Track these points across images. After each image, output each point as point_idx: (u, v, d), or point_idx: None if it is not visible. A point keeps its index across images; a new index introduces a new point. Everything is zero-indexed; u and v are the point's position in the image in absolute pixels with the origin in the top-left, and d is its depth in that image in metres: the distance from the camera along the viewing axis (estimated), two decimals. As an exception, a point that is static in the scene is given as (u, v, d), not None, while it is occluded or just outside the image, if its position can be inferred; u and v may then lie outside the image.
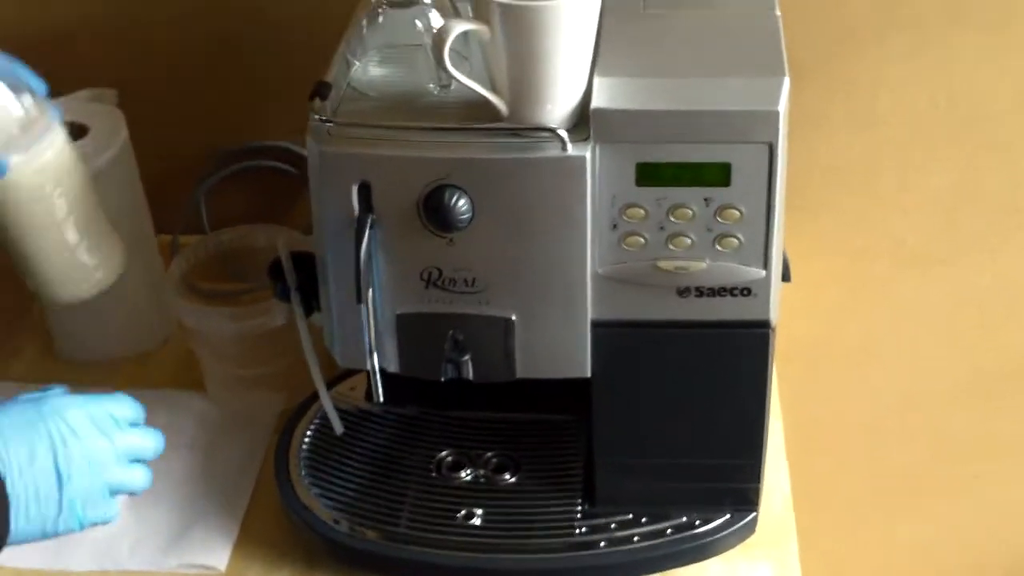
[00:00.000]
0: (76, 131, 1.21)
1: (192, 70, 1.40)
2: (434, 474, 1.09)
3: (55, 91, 1.22)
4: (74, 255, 1.04)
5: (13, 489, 0.82)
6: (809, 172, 1.37)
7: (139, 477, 0.91)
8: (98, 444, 0.88)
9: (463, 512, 1.06)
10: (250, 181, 1.45)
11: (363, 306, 0.93)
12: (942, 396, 1.54)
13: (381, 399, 0.97)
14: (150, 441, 0.92)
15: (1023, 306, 1.46)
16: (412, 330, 0.97)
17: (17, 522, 0.83)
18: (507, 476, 1.09)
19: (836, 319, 1.49)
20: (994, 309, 1.47)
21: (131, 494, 0.92)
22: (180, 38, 1.38)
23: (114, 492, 0.89)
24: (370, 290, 0.93)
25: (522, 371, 0.97)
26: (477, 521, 1.05)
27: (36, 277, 1.05)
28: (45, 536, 0.86)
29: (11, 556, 1.07)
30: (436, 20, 0.95)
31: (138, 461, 0.91)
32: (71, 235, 1.03)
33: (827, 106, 1.33)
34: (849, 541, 1.66)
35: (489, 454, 1.12)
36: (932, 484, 1.62)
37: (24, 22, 1.38)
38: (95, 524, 0.89)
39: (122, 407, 0.91)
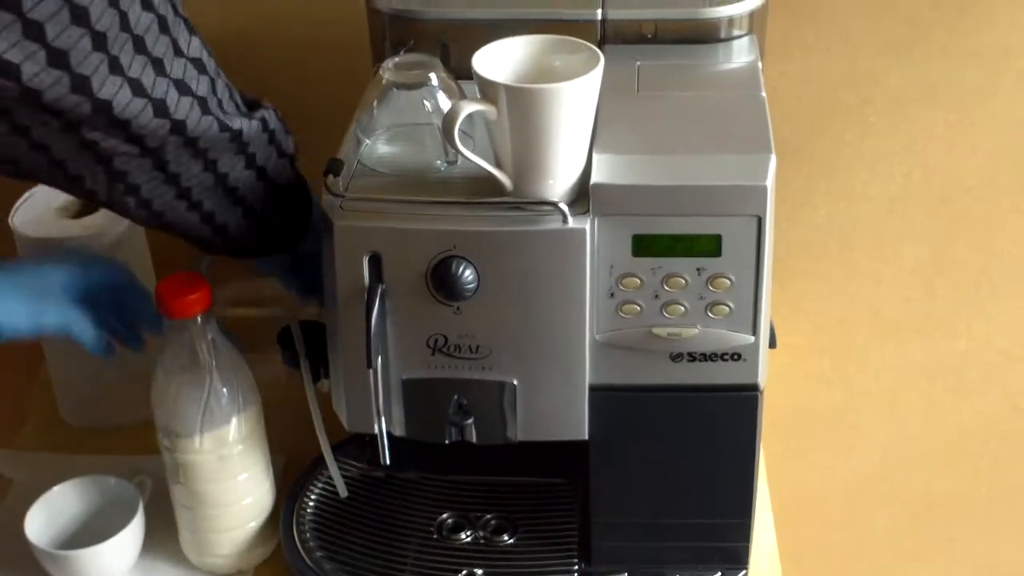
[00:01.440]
0: (88, 207, 1.25)
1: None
2: (435, 536, 1.12)
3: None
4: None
5: None
6: (791, 244, 1.41)
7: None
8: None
9: (464, 572, 1.08)
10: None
11: (372, 372, 0.96)
12: (921, 460, 1.58)
13: (388, 462, 0.99)
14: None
15: (997, 372, 1.50)
16: (418, 395, 0.99)
17: None
18: (506, 537, 1.12)
19: (818, 386, 1.52)
20: (969, 375, 1.50)
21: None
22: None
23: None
24: (379, 356, 0.96)
25: (523, 434, 1.00)
26: (478, 580, 1.08)
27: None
28: None
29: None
30: (443, 101, 0.98)
31: None
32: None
33: (809, 181, 1.38)
34: None
35: (488, 516, 1.14)
36: (911, 547, 1.65)
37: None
38: None
39: None
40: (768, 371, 1.30)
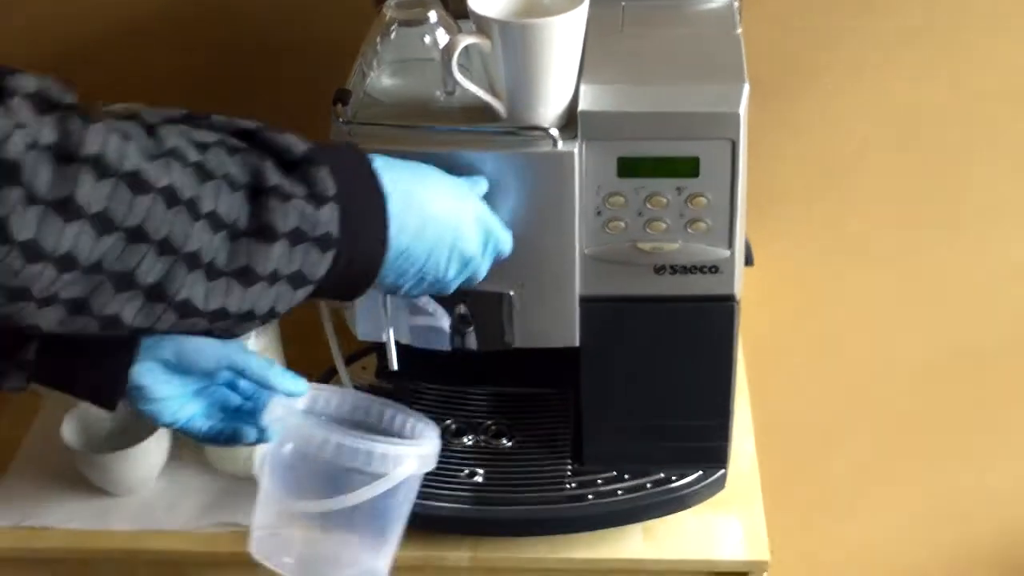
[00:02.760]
0: None
1: (215, 83, 1.50)
2: (442, 439, 1.20)
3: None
4: None
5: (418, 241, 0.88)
6: (774, 177, 1.47)
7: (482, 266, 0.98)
8: (483, 236, 0.96)
9: (466, 471, 1.18)
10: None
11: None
12: (900, 382, 1.64)
13: (395, 367, 1.07)
14: (508, 245, 1.00)
15: (968, 301, 1.56)
16: (422, 305, 1.07)
17: (412, 266, 0.89)
18: (505, 441, 1.21)
19: (801, 313, 1.59)
20: (943, 304, 1.57)
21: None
22: (205, 56, 1.48)
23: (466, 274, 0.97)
24: None
25: (519, 341, 1.09)
26: (479, 479, 1.17)
27: None
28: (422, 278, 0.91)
29: (59, 518, 1.20)
30: (442, 36, 1.05)
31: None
32: None
33: (789, 117, 1.44)
34: (814, 510, 1.75)
35: (489, 422, 1.23)
36: (892, 466, 1.71)
37: (62, 41, 1.48)
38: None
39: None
40: (749, 299, 1.38)
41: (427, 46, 1.06)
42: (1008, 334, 1.60)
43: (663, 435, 1.15)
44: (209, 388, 0.96)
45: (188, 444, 1.25)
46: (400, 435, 1.01)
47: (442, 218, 0.91)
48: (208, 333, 0.78)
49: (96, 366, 0.88)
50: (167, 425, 0.94)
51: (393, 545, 1.00)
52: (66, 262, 0.65)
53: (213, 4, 1.45)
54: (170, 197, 0.68)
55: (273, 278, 0.75)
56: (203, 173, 0.71)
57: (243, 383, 0.97)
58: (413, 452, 0.96)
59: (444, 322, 1.08)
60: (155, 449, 1.22)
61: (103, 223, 0.66)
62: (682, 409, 1.13)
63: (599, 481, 1.16)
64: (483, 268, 0.98)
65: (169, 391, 0.92)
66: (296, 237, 0.76)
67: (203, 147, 0.72)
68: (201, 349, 0.91)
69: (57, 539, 1.20)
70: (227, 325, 0.76)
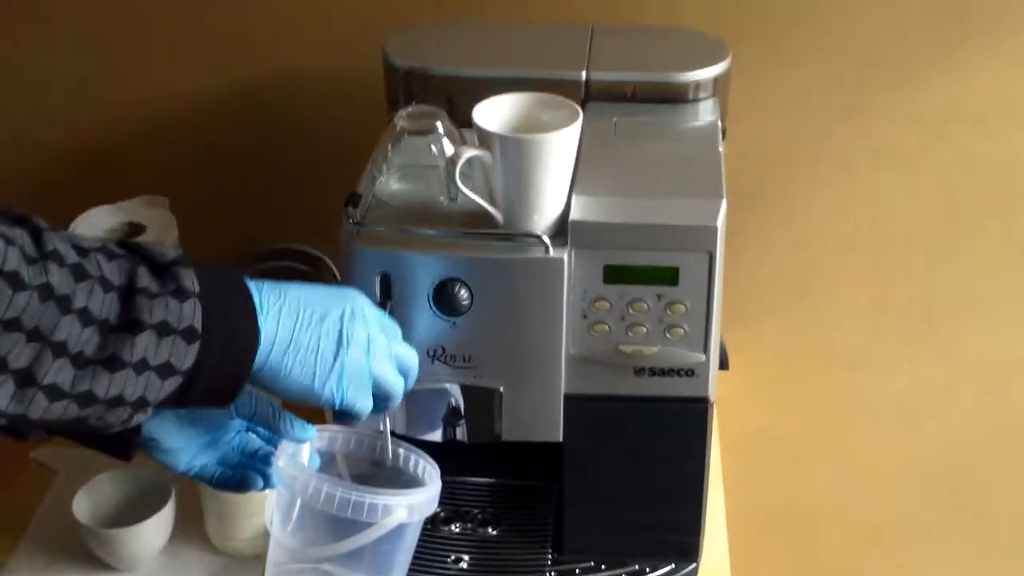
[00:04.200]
0: (135, 229, 1.39)
1: (232, 182, 1.58)
2: (429, 526, 1.25)
3: (117, 197, 1.41)
4: None
5: (296, 335, 0.87)
6: (753, 285, 1.55)
7: (399, 385, 0.95)
8: (379, 336, 0.93)
9: (453, 557, 1.22)
10: (272, 277, 1.60)
11: None
12: (871, 486, 1.69)
13: (389, 457, 1.09)
14: (414, 359, 0.97)
15: (939, 404, 1.63)
16: (419, 397, 1.11)
17: (292, 367, 0.88)
18: (490, 529, 1.26)
19: (777, 414, 1.65)
20: (912, 407, 1.63)
21: (384, 403, 0.95)
22: (224, 156, 1.56)
23: (376, 387, 0.93)
24: None
25: (507, 435, 1.14)
26: (464, 565, 1.21)
27: None
28: (305, 394, 0.89)
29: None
30: (447, 146, 1.12)
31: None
32: None
33: (769, 229, 1.52)
34: None
35: (475, 511, 1.28)
36: (860, 570, 1.76)
37: (93, 137, 1.56)
38: (349, 410, 0.92)
39: (396, 328, 0.97)
40: (729, 401, 1.45)
41: (434, 154, 1.13)
42: (984, 435, 1.65)
43: (639, 528, 1.20)
44: (225, 437, 1.02)
45: (191, 522, 1.31)
46: (408, 473, 1.06)
47: (321, 303, 0.91)
48: (86, 423, 0.81)
49: None
50: (182, 473, 1.00)
51: None
52: None
53: (236, 110, 1.53)
54: (45, 293, 0.75)
55: (141, 367, 0.79)
56: (80, 274, 0.77)
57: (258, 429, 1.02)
58: (403, 502, 1.00)
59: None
60: (159, 526, 1.27)
61: None
62: (657, 503, 1.18)
63: (577, 571, 1.20)
64: (383, 362, 0.95)
65: (182, 442, 0.98)
66: (163, 329, 0.80)
67: (83, 252, 0.79)
68: None
69: (62, 611, 1.25)
70: (99, 412, 0.80)
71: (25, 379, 0.75)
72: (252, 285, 0.88)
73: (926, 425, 1.65)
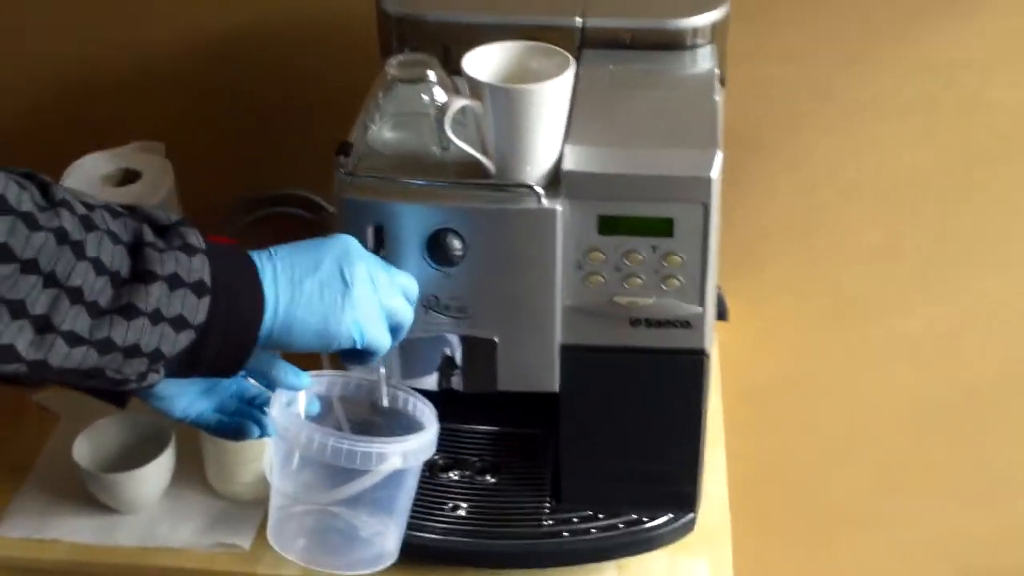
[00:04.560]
0: (131, 176, 1.39)
1: (228, 128, 1.57)
2: (427, 473, 1.25)
3: (112, 142, 1.41)
4: None
5: (297, 288, 0.89)
6: (757, 231, 1.54)
7: (409, 311, 0.97)
8: (378, 269, 0.94)
9: (451, 505, 1.23)
10: (273, 225, 1.61)
11: None
12: (880, 431, 1.69)
13: (386, 403, 1.10)
14: (415, 285, 1.00)
15: (950, 348, 1.62)
16: (414, 346, 1.13)
17: (303, 318, 0.89)
18: (488, 477, 1.27)
19: (784, 362, 1.64)
20: (924, 351, 1.62)
21: (397, 332, 0.97)
22: (219, 101, 1.55)
23: (389, 319, 0.95)
24: None
25: (502, 384, 1.15)
26: (462, 512, 1.22)
27: None
28: (323, 339, 0.91)
29: (68, 531, 1.26)
30: (440, 95, 1.11)
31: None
32: None
33: (772, 175, 1.50)
34: (785, 557, 1.80)
35: (474, 459, 1.29)
36: (866, 514, 1.76)
37: (87, 82, 1.56)
38: (370, 345, 0.93)
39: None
40: (735, 347, 1.44)
41: (425, 103, 1.12)
42: (995, 377, 1.65)
43: (636, 478, 1.20)
44: (221, 384, 1.02)
45: (191, 467, 1.32)
46: (407, 416, 1.07)
47: (312, 253, 0.92)
48: (103, 375, 0.81)
49: None
50: (179, 420, 1.00)
51: (397, 530, 1.06)
52: None
53: (231, 55, 1.52)
54: (60, 236, 0.75)
55: (156, 317, 0.80)
56: (89, 224, 0.78)
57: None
58: (397, 449, 1.00)
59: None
60: (160, 470, 1.28)
61: (3, 253, 0.73)
62: (654, 454, 1.19)
63: (575, 519, 1.21)
64: (393, 299, 0.96)
65: (177, 389, 0.98)
66: (174, 281, 0.81)
67: (89, 207, 0.79)
68: None
69: (64, 552, 1.26)
70: (117, 361, 0.80)
71: (43, 325, 0.76)
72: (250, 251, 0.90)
73: (936, 368, 1.64)
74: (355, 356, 0.96)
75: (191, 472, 1.33)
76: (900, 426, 1.69)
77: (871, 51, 1.43)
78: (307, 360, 1.16)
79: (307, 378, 1.04)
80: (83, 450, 1.29)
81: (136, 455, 1.29)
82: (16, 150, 1.59)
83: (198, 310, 0.83)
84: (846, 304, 1.59)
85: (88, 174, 1.39)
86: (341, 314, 0.91)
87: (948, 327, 1.60)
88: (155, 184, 1.38)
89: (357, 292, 0.92)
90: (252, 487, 1.29)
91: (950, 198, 1.51)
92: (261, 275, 0.88)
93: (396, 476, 1.03)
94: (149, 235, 0.82)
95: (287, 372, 1.02)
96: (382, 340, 0.95)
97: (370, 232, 1.08)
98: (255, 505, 1.29)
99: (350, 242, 0.94)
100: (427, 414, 1.08)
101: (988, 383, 1.65)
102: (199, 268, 0.83)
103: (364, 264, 0.93)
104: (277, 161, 1.58)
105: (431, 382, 1.17)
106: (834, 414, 1.68)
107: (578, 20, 1.21)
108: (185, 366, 0.86)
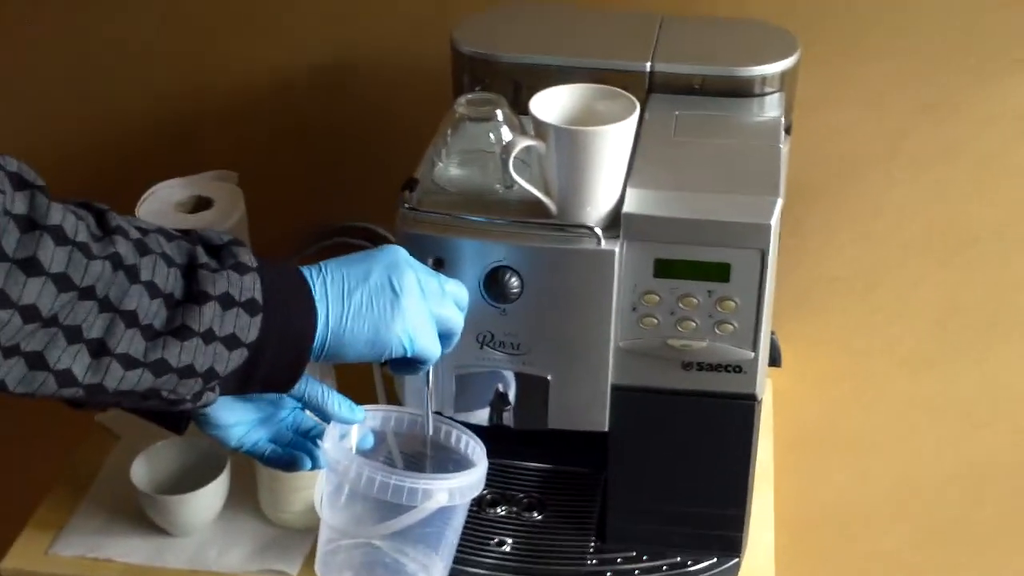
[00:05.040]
0: (203, 203, 1.42)
1: (299, 159, 1.60)
2: (474, 508, 1.26)
3: (186, 171, 1.44)
4: None
5: (347, 300, 0.90)
6: (817, 279, 1.54)
7: (460, 318, 0.96)
8: (427, 277, 0.94)
9: (496, 540, 1.24)
10: (339, 254, 1.63)
11: None
12: (929, 487, 1.67)
13: (431, 432, 1.11)
14: (465, 291, 0.98)
15: (1005, 407, 1.60)
16: (467, 381, 1.15)
17: (355, 329, 0.89)
18: (535, 514, 1.28)
19: (838, 412, 1.64)
20: (978, 409, 1.61)
21: (448, 340, 0.96)
22: (292, 134, 1.58)
23: (439, 326, 0.95)
24: None
25: (553, 422, 1.16)
26: (507, 548, 1.23)
27: None
28: (375, 348, 0.90)
29: (120, 552, 1.28)
30: (506, 134, 1.13)
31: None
32: None
33: (836, 225, 1.50)
34: None
35: (521, 495, 1.30)
36: (915, 569, 1.74)
37: (160, 115, 1.60)
38: (421, 354, 0.93)
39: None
40: (788, 394, 1.43)
41: (492, 141, 1.14)
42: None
43: (682, 520, 1.21)
44: (278, 415, 1.04)
45: (244, 493, 1.34)
46: (457, 453, 1.08)
47: (361, 264, 0.93)
48: (159, 396, 0.84)
49: None
50: (234, 449, 1.02)
51: (443, 566, 1.06)
52: (29, 312, 0.75)
53: (305, 89, 1.56)
54: (115, 263, 0.78)
55: (208, 337, 0.82)
56: (143, 248, 0.80)
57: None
58: (444, 486, 1.01)
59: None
60: (213, 495, 1.30)
61: (62, 281, 0.75)
62: (701, 497, 1.19)
63: (619, 559, 1.22)
64: (448, 309, 0.96)
65: (233, 418, 1.00)
66: (226, 301, 0.83)
67: (143, 231, 0.82)
68: None
69: (117, 572, 1.28)
70: (171, 382, 0.82)
71: (99, 349, 0.78)
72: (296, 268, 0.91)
73: (989, 426, 1.62)
74: (405, 365, 0.96)
75: (244, 498, 1.35)
76: (951, 483, 1.68)
77: (943, 101, 1.43)
78: (362, 395, 1.19)
79: (361, 412, 1.05)
80: (140, 472, 1.31)
81: (191, 479, 1.31)
82: (100, 175, 1.64)
83: (250, 328, 0.85)
84: (902, 357, 1.59)
85: (162, 200, 1.42)
86: (392, 323, 0.91)
87: (1004, 384, 1.59)
88: (226, 212, 1.40)
89: (406, 301, 0.91)
90: (302, 515, 1.31)
91: (1011, 256, 1.51)
92: (312, 290, 0.89)
93: (443, 512, 1.03)
94: (202, 256, 0.84)
95: (342, 406, 1.03)
96: (432, 348, 0.94)
97: (430, 265, 1.08)
98: (304, 533, 1.31)
99: (399, 252, 0.95)
100: (478, 452, 1.08)
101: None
102: (250, 287, 0.85)
103: (413, 272, 0.93)
104: (345, 193, 1.61)
105: (482, 417, 1.18)
106: (885, 466, 1.67)
107: (647, 65, 1.22)
108: (239, 383, 0.88)
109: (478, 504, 1.28)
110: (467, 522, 1.09)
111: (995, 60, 1.41)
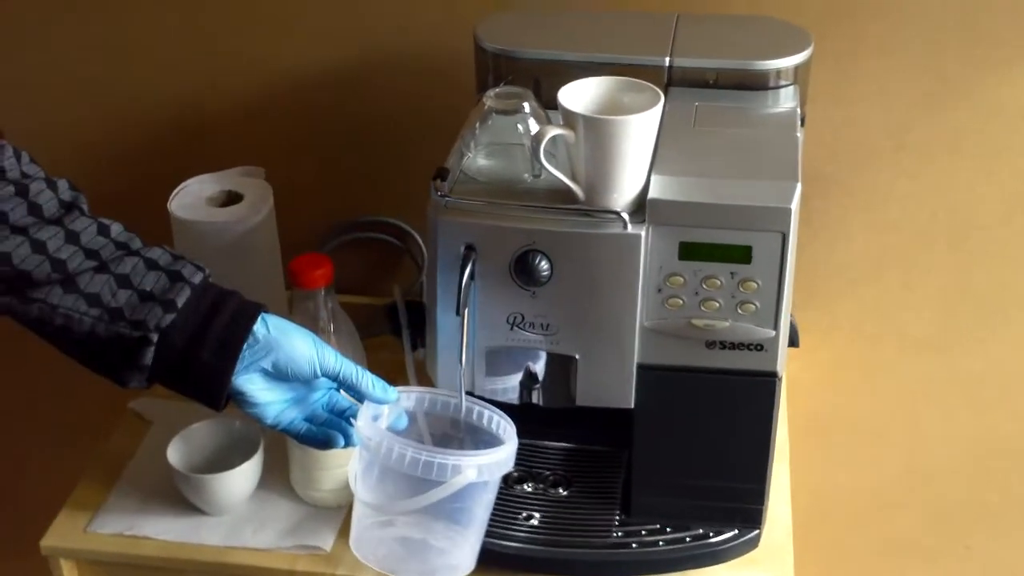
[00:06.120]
0: (233, 198, 1.46)
1: (326, 156, 1.63)
2: (503, 485, 1.28)
3: (216, 167, 1.48)
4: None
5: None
6: (829, 267, 1.58)
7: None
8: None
9: (524, 514, 1.28)
10: (362, 248, 1.67)
11: (460, 317, 1.14)
12: (939, 469, 1.71)
13: (464, 413, 1.16)
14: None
15: (1012, 390, 1.64)
16: (497, 361, 1.19)
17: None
18: (561, 490, 1.32)
19: (849, 396, 1.68)
20: (986, 392, 1.64)
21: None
22: (320, 131, 1.62)
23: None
24: (466, 308, 1.14)
25: (580, 400, 1.20)
26: (535, 522, 1.27)
27: None
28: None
29: (157, 530, 1.32)
30: (533, 125, 1.17)
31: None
32: None
33: (847, 213, 1.54)
34: None
35: (548, 472, 1.34)
36: (926, 550, 1.79)
37: (190, 112, 1.64)
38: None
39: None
40: (803, 379, 1.46)
41: (519, 133, 1.18)
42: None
43: (705, 494, 1.24)
44: (312, 395, 1.09)
45: (278, 472, 1.38)
46: (487, 432, 1.13)
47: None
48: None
49: (203, 372, 1.02)
50: (271, 427, 1.08)
51: (474, 541, 1.11)
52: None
53: (332, 87, 1.59)
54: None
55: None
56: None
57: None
58: (473, 462, 1.06)
59: None
60: (248, 474, 1.34)
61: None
62: (723, 472, 1.23)
63: (643, 532, 1.25)
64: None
65: (269, 397, 1.06)
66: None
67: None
68: (295, 359, 1.05)
69: (154, 549, 1.32)
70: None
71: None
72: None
73: (997, 410, 1.66)
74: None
75: (277, 477, 1.38)
76: (960, 464, 1.71)
77: (948, 95, 1.47)
78: (391, 366, 1.23)
79: (395, 392, 1.10)
80: (176, 452, 1.35)
81: (226, 459, 1.35)
82: (131, 173, 1.68)
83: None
84: (912, 343, 1.63)
85: (193, 195, 1.45)
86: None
87: (1011, 369, 1.63)
88: (256, 205, 1.44)
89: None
90: (333, 494, 1.35)
91: (1016, 242, 1.55)
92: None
93: (473, 489, 1.08)
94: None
95: (375, 385, 1.09)
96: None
97: (461, 250, 1.14)
98: (336, 511, 1.35)
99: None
100: (508, 431, 1.13)
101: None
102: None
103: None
104: (371, 189, 1.64)
105: (512, 396, 1.22)
106: (897, 449, 1.71)
107: (666, 60, 1.26)
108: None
109: (505, 481, 1.30)
110: (497, 497, 1.13)
111: (999, 50, 1.44)
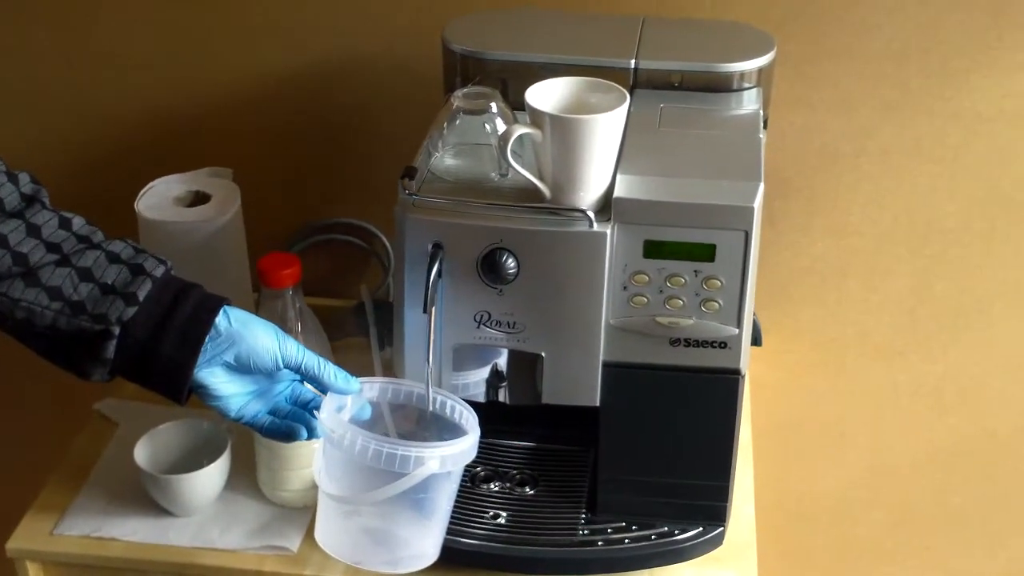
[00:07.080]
0: (200, 198, 1.46)
1: (293, 157, 1.64)
2: (469, 484, 1.31)
3: (183, 167, 1.48)
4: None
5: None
6: (792, 270, 1.59)
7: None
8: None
9: (491, 513, 1.28)
10: (330, 251, 1.68)
11: (428, 320, 1.14)
12: (901, 472, 1.73)
13: (431, 408, 1.16)
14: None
15: (972, 393, 1.66)
16: (464, 359, 1.20)
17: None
18: (527, 489, 1.32)
19: (811, 400, 1.69)
20: (946, 395, 1.67)
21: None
22: (284, 131, 1.63)
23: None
24: (433, 309, 1.14)
25: (546, 398, 1.20)
26: (502, 521, 1.28)
27: None
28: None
29: (124, 531, 1.32)
30: (500, 125, 1.18)
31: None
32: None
33: (809, 218, 1.56)
34: None
35: (514, 471, 1.34)
36: (889, 551, 1.80)
37: (157, 113, 1.64)
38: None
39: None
40: (766, 382, 1.47)
41: (487, 133, 1.19)
42: (1014, 424, 1.69)
43: (670, 492, 1.25)
44: (275, 388, 1.09)
45: (245, 473, 1.38)
46: (450, 422, 1.13)
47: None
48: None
49: (165, 365, 1.03)
50: (234, 420, 1.08)
51: (438, 531, 1.11)
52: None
53: (300, 88, 1.60)
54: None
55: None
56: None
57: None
58: (435, 453, 1.06)
59: None
60: (215, 475, 1.34)
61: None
62: (688, 469, 1.24)
63: (609, 530, 1.26)
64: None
65: (232, 390, 1.06)
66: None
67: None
68: (257, 351, 1.05)
69: (121, 550, 1.31)
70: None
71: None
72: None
73: (957, 413, 1.68)
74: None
75: (244, 478, 1.38)
76: (921, 466, 1.73)
77: (907, 101, 1.49)
78: (359, 366, 1.23)
79: (357, 383, 1.11)
80: (144, 453, 1.35)
81: (193, 460, 1.35)
82: (100, 171, 1.68)
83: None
84: (874, 346, 1.64)
85: (161, 195, 1.46)
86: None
87: (971, 372, 1.65)
88: (223, 206, 1.44)
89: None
90: (300, 494, 1.35)
91: (976, 247, 1.57)
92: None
93: (436, 479, 1.08)
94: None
95: (337, 376, 1.09)
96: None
97: (429, 248, 1.14)
98: (303, 511, 1.35)
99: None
100: (470, 421, 1.14)
101: (1008, 428, 1.69)
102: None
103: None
104: (338, 191, 1.65)
105: (478, 394, 1.23)
106: (859, 451, 1.72)
107: (631, 62, 1.28)
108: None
109: (472, 480, 1.32)
110: (462, 496, 1.14)
111: (958, 59, 1.47)
